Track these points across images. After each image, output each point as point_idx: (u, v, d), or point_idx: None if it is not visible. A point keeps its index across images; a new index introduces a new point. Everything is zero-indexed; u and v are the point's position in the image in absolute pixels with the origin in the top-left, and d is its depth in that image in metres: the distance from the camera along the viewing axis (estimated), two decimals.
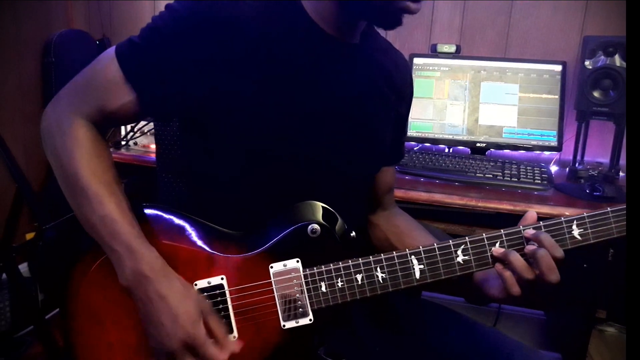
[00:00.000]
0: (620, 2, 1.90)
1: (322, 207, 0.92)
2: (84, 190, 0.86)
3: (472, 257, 0.87)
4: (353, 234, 0.93)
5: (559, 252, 0.82)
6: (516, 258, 0.83)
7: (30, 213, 2.04)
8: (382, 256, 0.89)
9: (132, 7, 2.48)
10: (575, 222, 0.86)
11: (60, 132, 0.89)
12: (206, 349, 0.82)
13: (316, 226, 0.90)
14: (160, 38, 0.87)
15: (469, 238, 0.88)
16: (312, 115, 0.93)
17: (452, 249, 0.87)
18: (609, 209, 0.86)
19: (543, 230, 0.85)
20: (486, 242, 0.87)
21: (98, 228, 0.85)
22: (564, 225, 0.86)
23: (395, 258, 0.88)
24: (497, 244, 0.87)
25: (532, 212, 0.89)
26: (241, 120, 0.90)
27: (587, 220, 0.86)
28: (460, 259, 0.87)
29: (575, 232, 0.86)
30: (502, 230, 0.87)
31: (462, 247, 0.87)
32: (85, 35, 2.41)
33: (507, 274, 0.84)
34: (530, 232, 0.85)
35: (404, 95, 1.11)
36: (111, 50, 0.89)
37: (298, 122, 0.92)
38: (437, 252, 0.88)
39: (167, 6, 0.89)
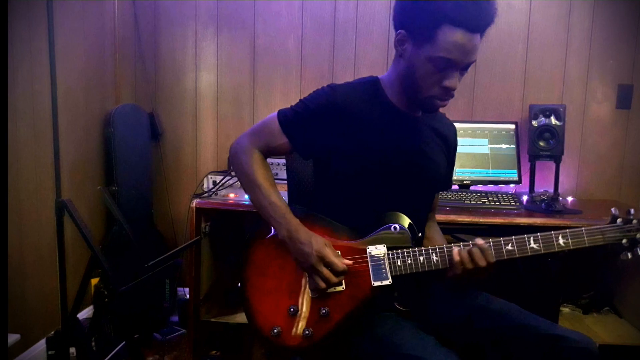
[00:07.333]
0: (557, 75, 2.60)
1: (402, 215, 1.38)
2: (259, 186, 1.38)
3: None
4: (420, 234, 1.41)
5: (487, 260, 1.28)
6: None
7: (103, 276, 2.25)
8: (437, 248, 1.32)
9: (176, 85, 2.89)
10: (560, 234, 1.27)
11: (244, 155, 1.43)
12: (333, 260, 1.27)
13: (397, 226, 1.35)
14: (305, 109, 1.37)
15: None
16: (393, 162, 1.39)
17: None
18: (583, 229, 1.26)
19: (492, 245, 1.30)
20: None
21: (267, 209, 1.36)
22: (553, 236, 1.27)
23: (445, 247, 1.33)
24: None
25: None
26: (347, 164, 1.37)
27: (568, 233, 1.27)
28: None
29: (560, 240, 1.27)
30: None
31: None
32: (138, 108, 2.77)
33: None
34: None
35: (452, 147, 1.58)
36: (275, 113, 1.41)
37: (383, 166, 1.37)
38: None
39: (317, 90, 1.39)
